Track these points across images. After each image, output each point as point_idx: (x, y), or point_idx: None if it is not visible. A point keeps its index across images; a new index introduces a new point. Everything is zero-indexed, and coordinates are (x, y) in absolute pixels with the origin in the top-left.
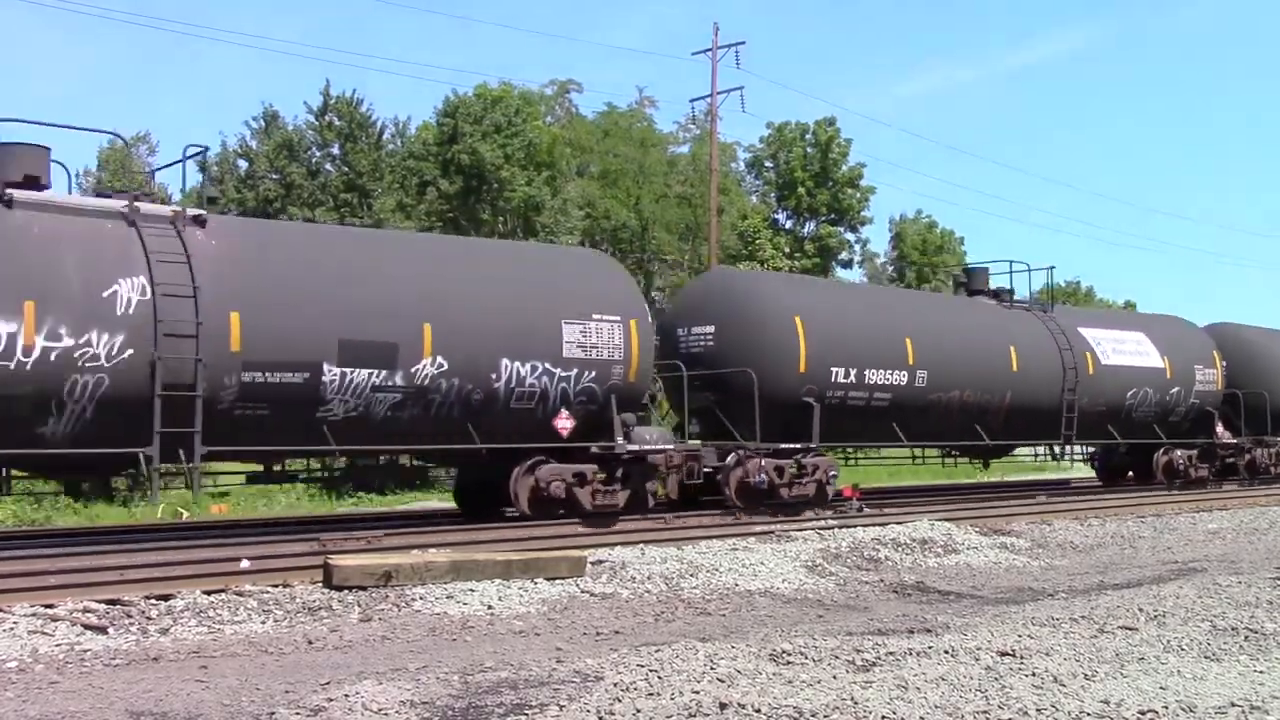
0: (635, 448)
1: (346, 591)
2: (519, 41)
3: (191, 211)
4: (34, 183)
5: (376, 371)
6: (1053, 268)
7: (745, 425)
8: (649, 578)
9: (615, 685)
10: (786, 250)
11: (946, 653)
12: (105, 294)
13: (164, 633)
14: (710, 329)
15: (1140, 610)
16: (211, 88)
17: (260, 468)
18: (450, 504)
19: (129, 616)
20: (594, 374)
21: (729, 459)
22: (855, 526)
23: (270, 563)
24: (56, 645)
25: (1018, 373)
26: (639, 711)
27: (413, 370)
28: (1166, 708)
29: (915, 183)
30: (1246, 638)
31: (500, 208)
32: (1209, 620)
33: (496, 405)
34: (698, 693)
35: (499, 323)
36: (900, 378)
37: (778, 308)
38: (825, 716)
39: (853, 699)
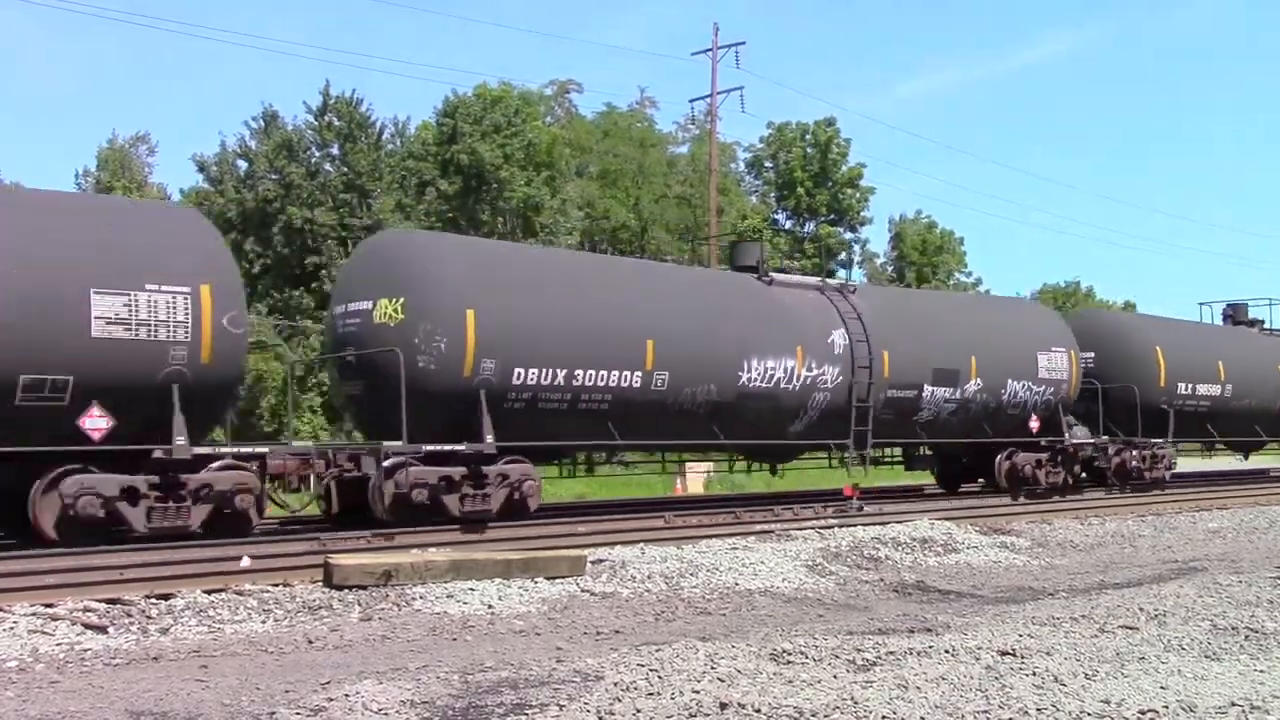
0: (1076, 441)
1: (346, 591)
2: (519, 41)
3: (849, 284)
4: (758, 265)
5: (946, 389)
6: None
7: (1122, 425)
8: (649, 577)
9: (615, 685)
10: (786, 250)
11: (947, 652)
12: (828, 340)
13: (164, 632)
14: (1092, 354)
15: (1141, 609)
16: (211, 88)
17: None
18: None
19: (129, 616)
20: (1051, 389)
21: (1110, 449)
22: (855, 526)
23: (270, 562)
24: (57, 645)
25: None
26: (639, 711)
27: (964, 388)
28: (1167, 707)
29: (915, 183)
30: (1247, 637)
31: (500, 208)
32: (1209, 619)
33: (1001, 411)
34: (698, 692)
35: (1007, 354)
36: (1215, 390)
37: (1145, 340)
38: (825, 716)
39: (853, 699)
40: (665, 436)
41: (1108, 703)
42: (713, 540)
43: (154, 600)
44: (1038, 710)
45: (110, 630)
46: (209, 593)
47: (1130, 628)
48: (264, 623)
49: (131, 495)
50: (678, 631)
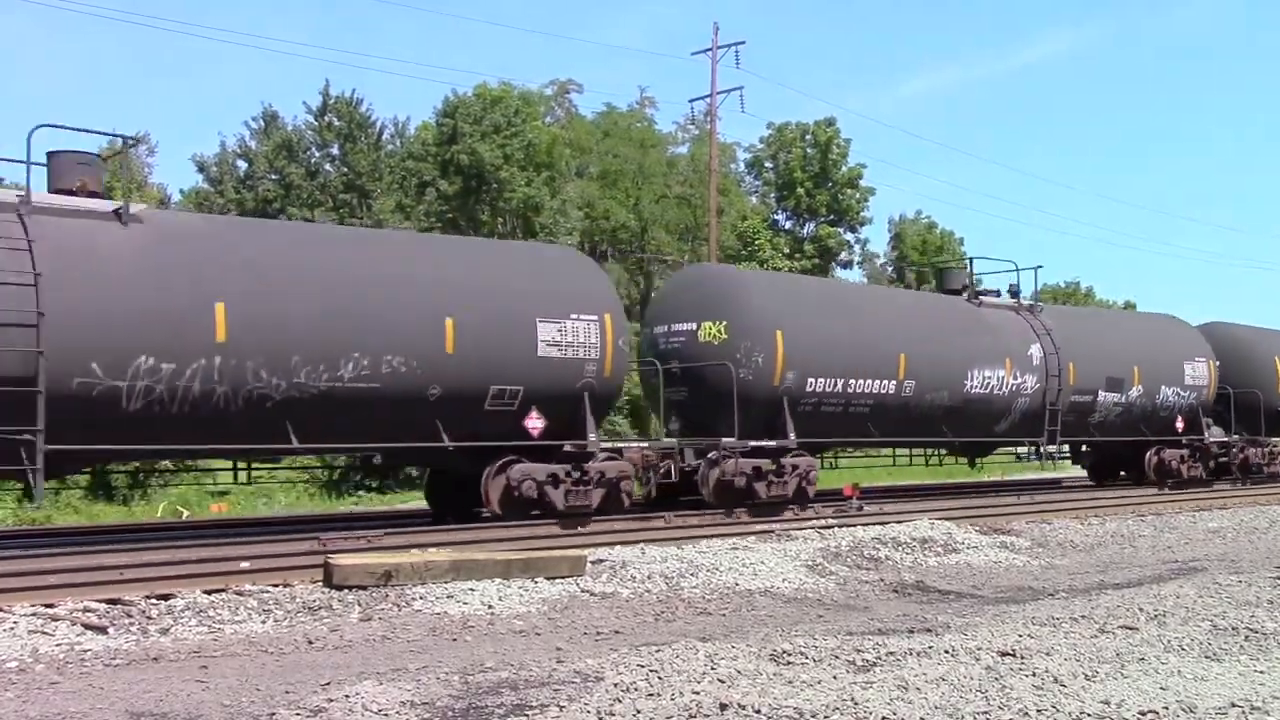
0: (1214, 439)
1: (347, 591)
2: (519, 41)
3: (1037, 305)
4: (963, 288)
5: (1115, 394)
6: None
7: (1246, 426)
8: (649, 577)
9: (615, 685)
10: (786, 251)
11: (947, 653)
12: (1028, 353)
13: (164, 632)
14: (1218, 363)
15: (1141, 610)
16: (211, 88)
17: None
18: None
19: (129, 616)
20: (1194, 394)
21: (1235, 447)
22: (855, 526)
23: (270, 562)
24: (57, 645)
25: None
26: (639, 712)
27: (1128, 393)
28: (1167, 708)
29: (915, 183)
30: (1247, 637)
31: (500, 208)
32: (1209, 620)
33: (1155, 413)
34: (698, 693)
35: (1161, 363)
36: None
37: (1267, 350)
38: (825, 717)
39: (853, 699)
40: (907, 434)
41: (1108, 703)
42: (713, 540)
43: (154, 600)
44: (1037, 711)
45: (110, 631)
46: (209, 593)
47: (1130, 628)
48: (264, 623)
49: (554, 480)
50: (678, 632)
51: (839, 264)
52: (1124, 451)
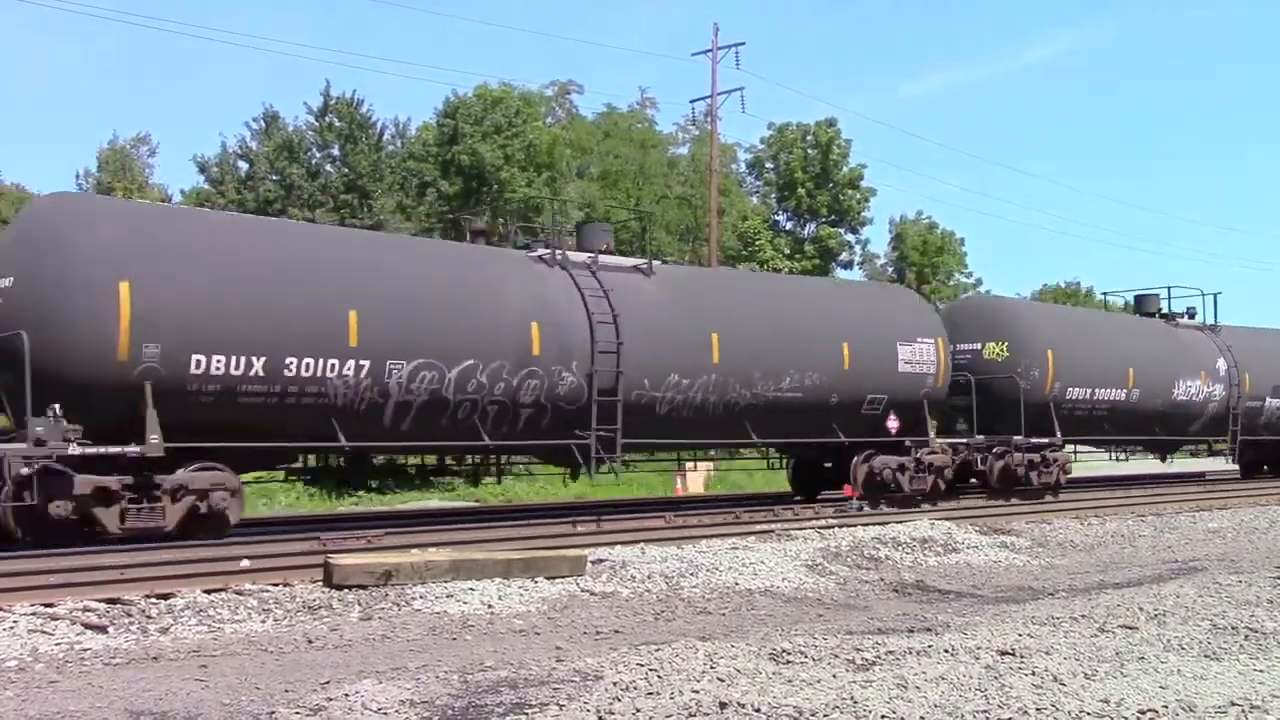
0: None
1: (346, 590)
2: (519, 41)
3: (1215, 325)
4: (1157, 311)
5: (1277, 400)
6: None
7: None
8: (649, 576)
9: (615, 684)
10: (786, 251)
11: (946, 652)
12: (1215, 366)
13: (164, 632)
14: None
15: (1140, 609)
16: (211, 88)
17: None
18: (447, 504)
19: (129, 615)
20: None
21: None
22: (855, 526)
23: (270, 562)
24: (56, 644)
25: None
26: (639, 711)
27: None
28: (1166, 707)
29: (916, 184)
30: (1247, 637)
31: (500, 209)
32: (1209, 619)
33: None
34: (697, 692)
35: None
36: None
37: None
38: (825, 716)
39: (852, 698)
40: (1131, 433)
41: (1107, 702)
42: (713, 540)
43: (154, 600)
44: (1037, 710)
45: (110, 630)
46: (209, 592)
47: (1130, 627)
48: (264, 622)
49: (901, 468)
50: (677, 631)
51: (839, 264)
52: (1275, 450)
